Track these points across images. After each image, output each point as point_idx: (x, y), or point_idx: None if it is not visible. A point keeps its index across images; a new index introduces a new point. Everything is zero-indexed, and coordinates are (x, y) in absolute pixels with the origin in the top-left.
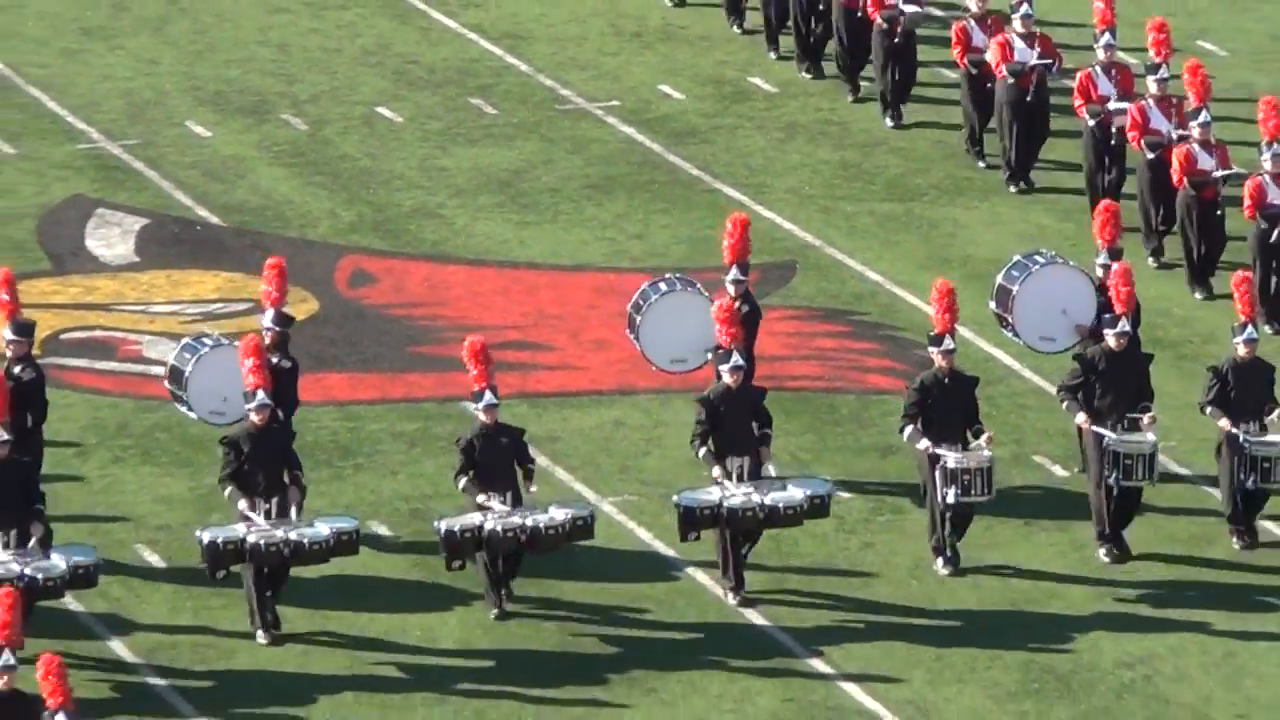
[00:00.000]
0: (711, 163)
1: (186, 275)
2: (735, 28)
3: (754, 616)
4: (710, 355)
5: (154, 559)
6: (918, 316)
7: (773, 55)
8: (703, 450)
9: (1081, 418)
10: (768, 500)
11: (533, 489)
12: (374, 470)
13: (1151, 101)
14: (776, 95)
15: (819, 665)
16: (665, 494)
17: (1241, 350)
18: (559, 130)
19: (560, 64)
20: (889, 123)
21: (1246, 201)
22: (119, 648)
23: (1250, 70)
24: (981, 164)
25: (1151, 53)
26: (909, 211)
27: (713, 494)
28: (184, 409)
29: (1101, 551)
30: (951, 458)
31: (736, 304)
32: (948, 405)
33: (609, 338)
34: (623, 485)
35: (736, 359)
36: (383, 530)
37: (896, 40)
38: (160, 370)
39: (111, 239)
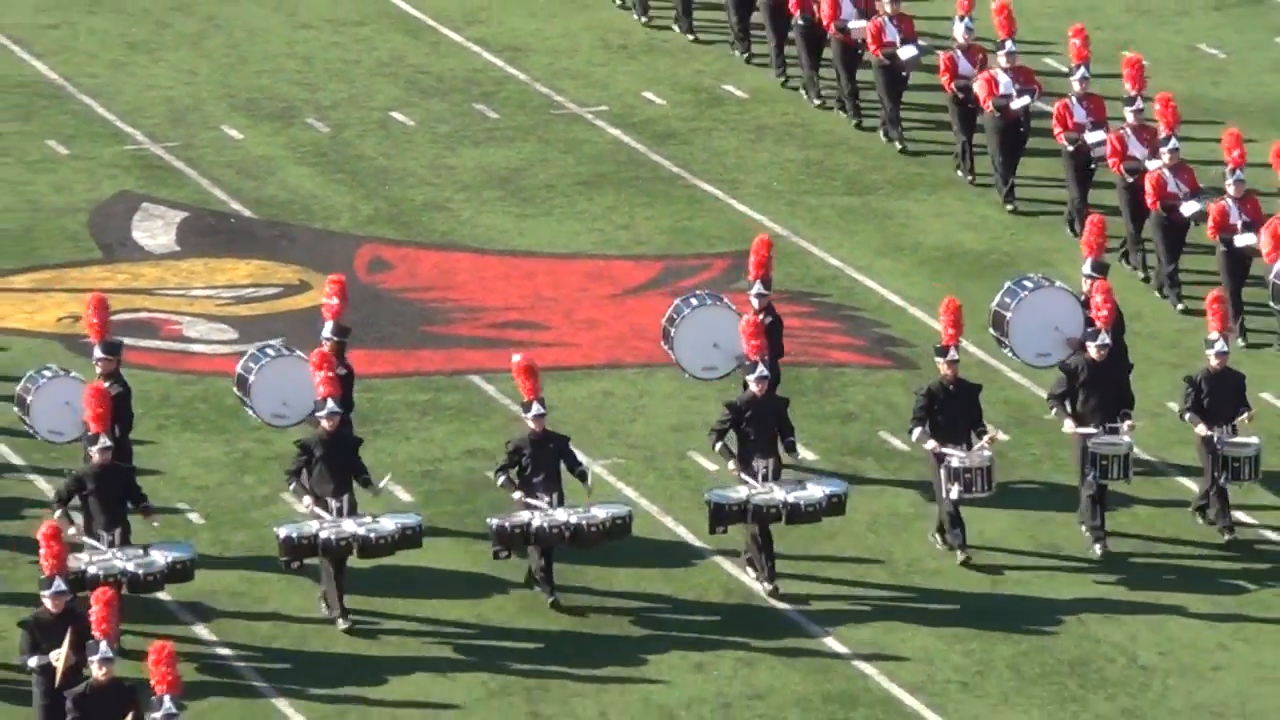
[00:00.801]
0: (690, 161)
1: (222, 263)
2: (685, 33)
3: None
4: (739, 364)
5: (194, 516)
6: (874, 299)
7: (740, 55)
8: (718, 445)
9: (1068, 424)
10: (790, 498)
11: (589, 485)
12: (390, 436)
13: (1129, 130)
14: (747, 101)
15: (835, 645)
16: (648, 457)
17: (1214, 361)
18: (554, 133)
19: (554, 74)
20: (896, 145)
21: (1212, 222)
22: (202, 631)
23: (1169, 78)
24: (969, 177)
25: (1127, 86)
26: (866, 204)
27: (740, 491)
28: (250, 412)
29: (1096, 548)
30: (955, 458)
31: (760, 318)
32: (952, 410)
33: (599, 317)
34: (611, 449)
35: (762, 370)
36: (401, 494)
37: (895, 72)
38: (200, 348)
39: (155, 230)
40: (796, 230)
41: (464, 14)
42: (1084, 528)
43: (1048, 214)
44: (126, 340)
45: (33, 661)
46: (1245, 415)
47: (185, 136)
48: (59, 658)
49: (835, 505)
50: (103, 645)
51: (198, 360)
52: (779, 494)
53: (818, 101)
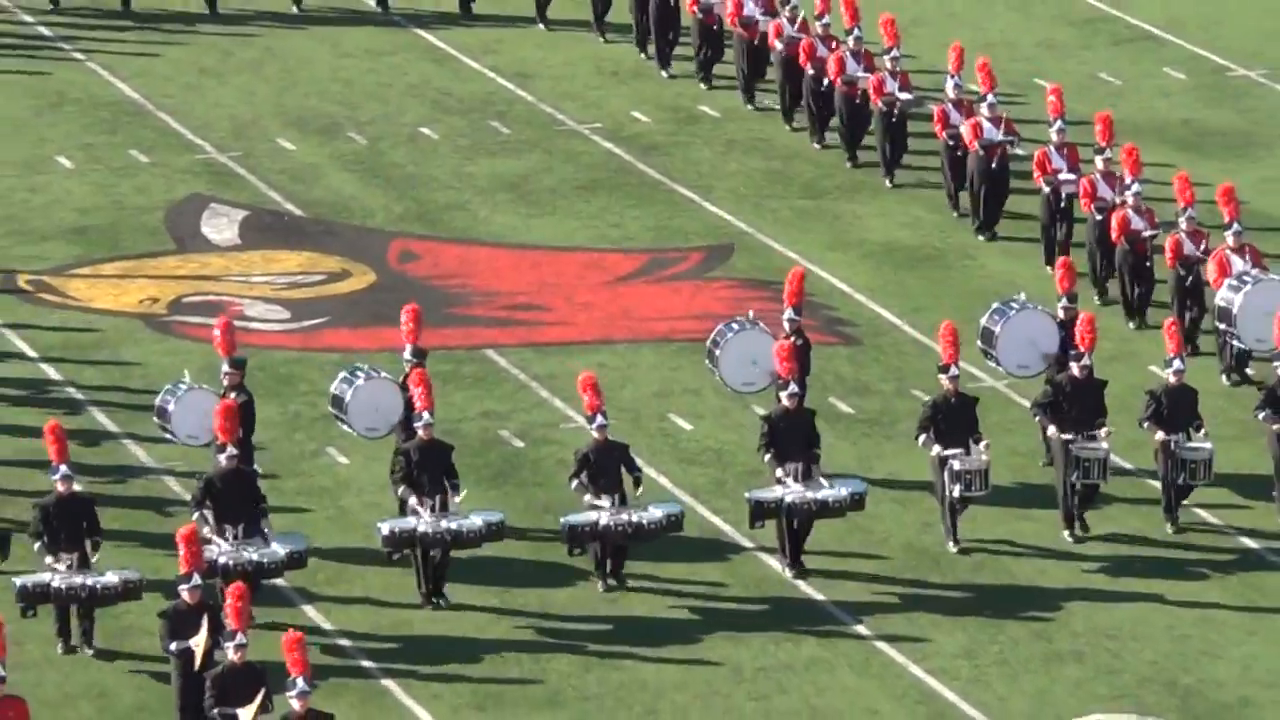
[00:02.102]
0: (670, 170)
1: (277, 254)
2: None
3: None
4: (772, 380)
5: (256, 466)
6: (825, 286)
7: (704, 87)
8: (767, 456)
9: (1052, 430)
10: (819, 496)
11: (639, 491)
12: None
13: (1098, 175)
14: (719, 119)
15: (861, 629)
16: (634, 418)
17: (1172, 379)
18: (556, 145)
19: (557, 95)
20: (887, 184)
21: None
22: (313, 614)
23: (1074, 102)
24: (955, 214)
25: (1098, 139)
26: (818, 206)
27: (776, 491)
28: (345, 427)
29: (1066, 534)
30: (957, 461)
31: (792, 340)
32: (953, 420)
33: (593, 301)
34: (607, 411)
35: (793, 387)
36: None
37: (894, 119)
38: (260, 326)
39: (220, 226)
40: (760, 228)
41: (481, 45)
42: (1064, 518)
43: (1015, 239)
44: (196, 319)
45: (173, 646)
46: (1195, 427)
47: (246, 147)
48: (199, 643)
49: (857, 502)
50: (238, 634)
51: (256, 335)
52: (809, 493)
53: (818, 145)
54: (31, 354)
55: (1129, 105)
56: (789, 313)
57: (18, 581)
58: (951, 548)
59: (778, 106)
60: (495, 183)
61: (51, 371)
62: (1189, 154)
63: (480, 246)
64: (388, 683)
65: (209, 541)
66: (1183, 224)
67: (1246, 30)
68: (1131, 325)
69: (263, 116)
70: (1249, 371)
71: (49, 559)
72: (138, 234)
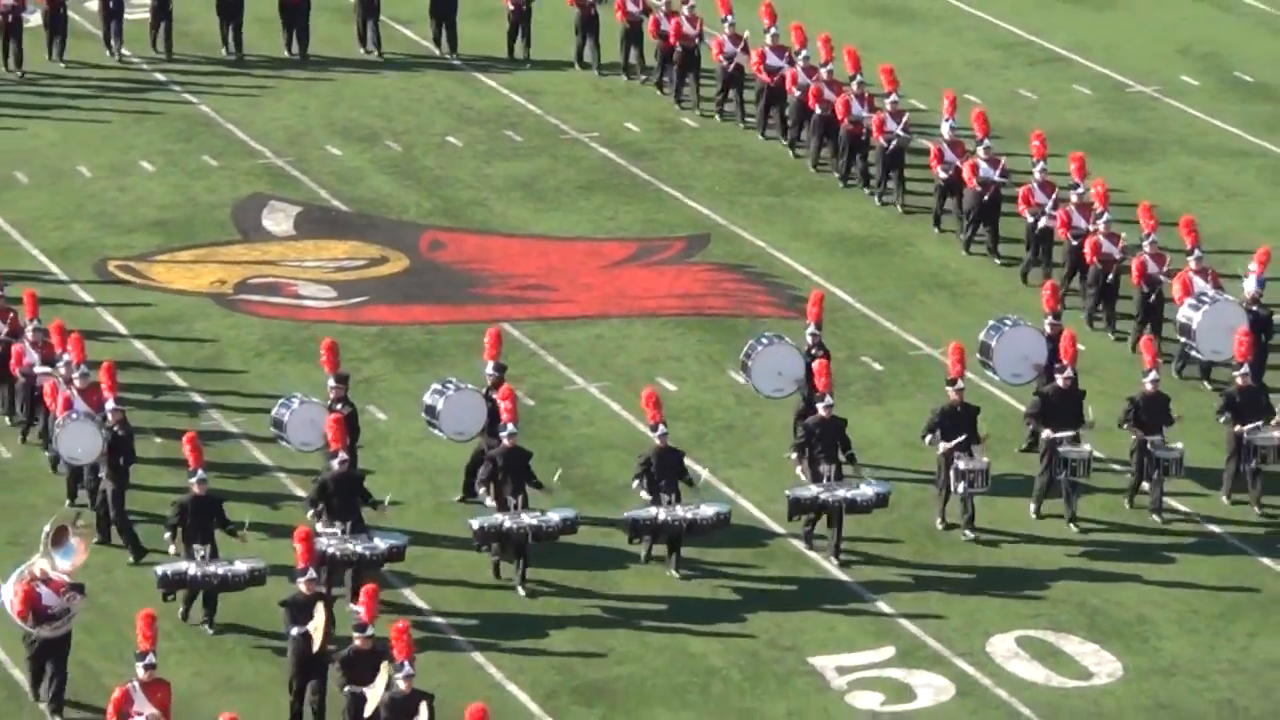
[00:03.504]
0: (657, 171)
1: (326, 243)
2: (641, 78)
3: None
4: (798, 386)
5: None
6: (787, 269)
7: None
8: (799, 459)
9: (1045, 433)
10: (849, 495)
11: (697, 486)
12: (444, 366)
13: (1074, 208)
14: (698, 129)
15: (884, 606)
16: (628, 381)
17: (1148, 387)
18: (561, 151)
19: (561, 109)
20: (899, 208)
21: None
22: (409, 594)
23: (997, 114)
24: (936, 231)
25: (1074, 176)
26: (783, 202)
27: (812, 489)
28: (437, 432)
29: (1034, 516)
30: (961, 461)
31: (815, 353)
32: (958, 426)
33: (593, 282)
34: (602, 375)
35: (829, 399)
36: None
37: (891, 153)
38: (312, 303)
39: (279, 220)
40: (733, 221)
41: (497, 67)
42: (1035, 505)
43: (949, 230)
44: (258, 297)
45: (294, 631)
46: (1168, 432)
47: (299, 153)
48: (316, 627)
49: (883, 500)
50: (370, 627)
51: (309, 312)
52: (841, 492)
53: (814, 171)
54: (121, 329)
55: (1043, 117)
56: (811, 327)
57: (158, 570)
58: (939, 524)
59: (784, 140)
60: (509, 183)
61: (138, 344)
62: (1094, 158)
63: (497, 237)
64: (476, 656)
65: (319, 535)
66: (1146, 248)
67: (1142, 53)
68: (1111, 336)
69: (313, 127)
70: (1206, 384)
71: (177, 549)
72: (209, 226)
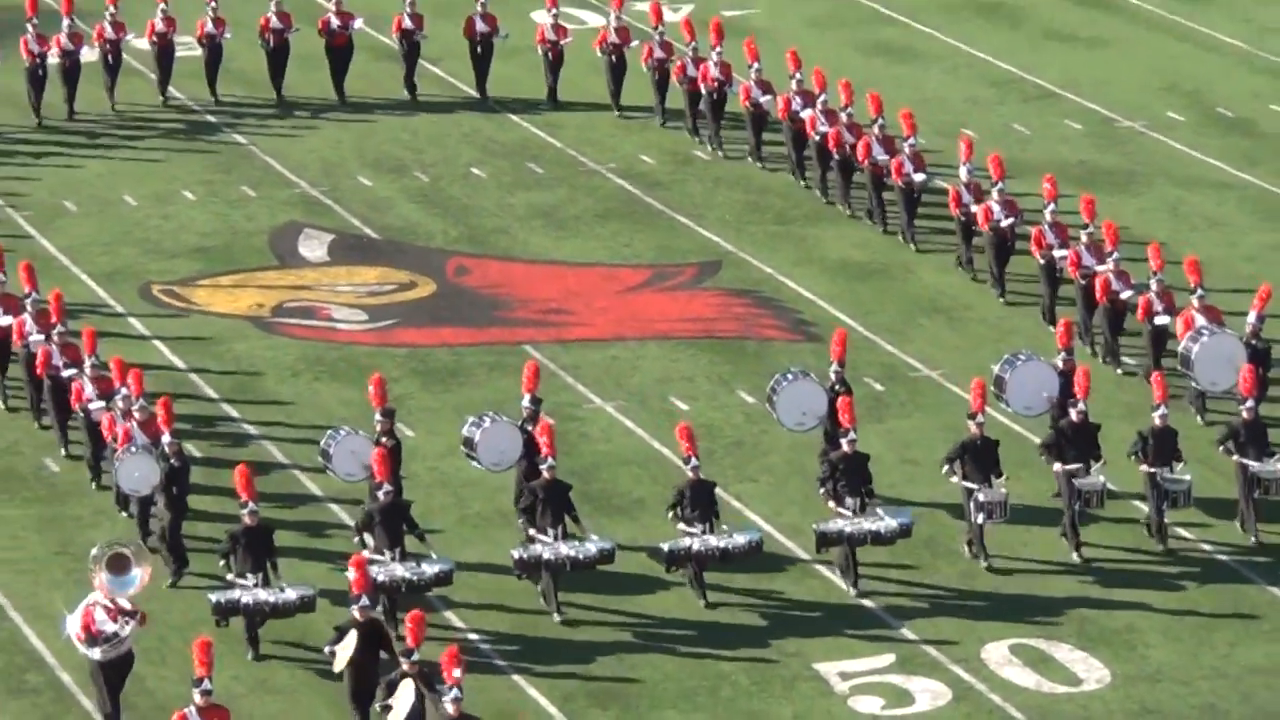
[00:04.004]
0: (670, 201)
1: (358, 268)
2: (658, 120)
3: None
4: (820, 422)
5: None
6: (792, 294)
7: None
8: (826, 493)
9: (1058, 466)
10: (873, 527)
11: (724, 528)
12: (469, 386)
13: (1084, 247)
14: (709, 162)
15: (884, 615)
16: (641, 400)
17: (1157, 421)
18: (580, 182)
19: (580, 142)
20: (912, 246)
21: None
22: (452, 618)
23: (991, 147)
24: (968, 274)
25: (1084, 217)
26: (788, 230)
27: (838, 523)
28: (475, 464)
29: (1075, 555)
30: (981, 493)
31: (838, 390)
32: (979, 458)
33: (609, 306)
34: (617, 394)
35: (852, 434)
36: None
37: (913, 195)
38: (345, 326)
39: (313, 246)
40: (741, 248)
41: (519, 102)
42: (1065, 539)
43: (943, 252)
44: (293, 320)
45: (327, 650)
46: (1181, 466)
47: (333, 183)
48: (344, 648)
49: (906, 531)
50: (416, 651)
51: (341, 334)
52: (866, 524)
53: (848, 212)
54: (163, 349)
55: (1036, 150)
56: (835, 365)
57: (212, 597)
58: (966, 553)
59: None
60: (531, 211)
61: (178, 361)
62: (1084, 189)
63: (519, 263)
64: (516, 679)
65: (372, 562)
66: (1154, 285)
67: (1130, 89)
68: (1119, 371)
69: (346, 159)
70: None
71: (231, 576)
72: (247, 252)
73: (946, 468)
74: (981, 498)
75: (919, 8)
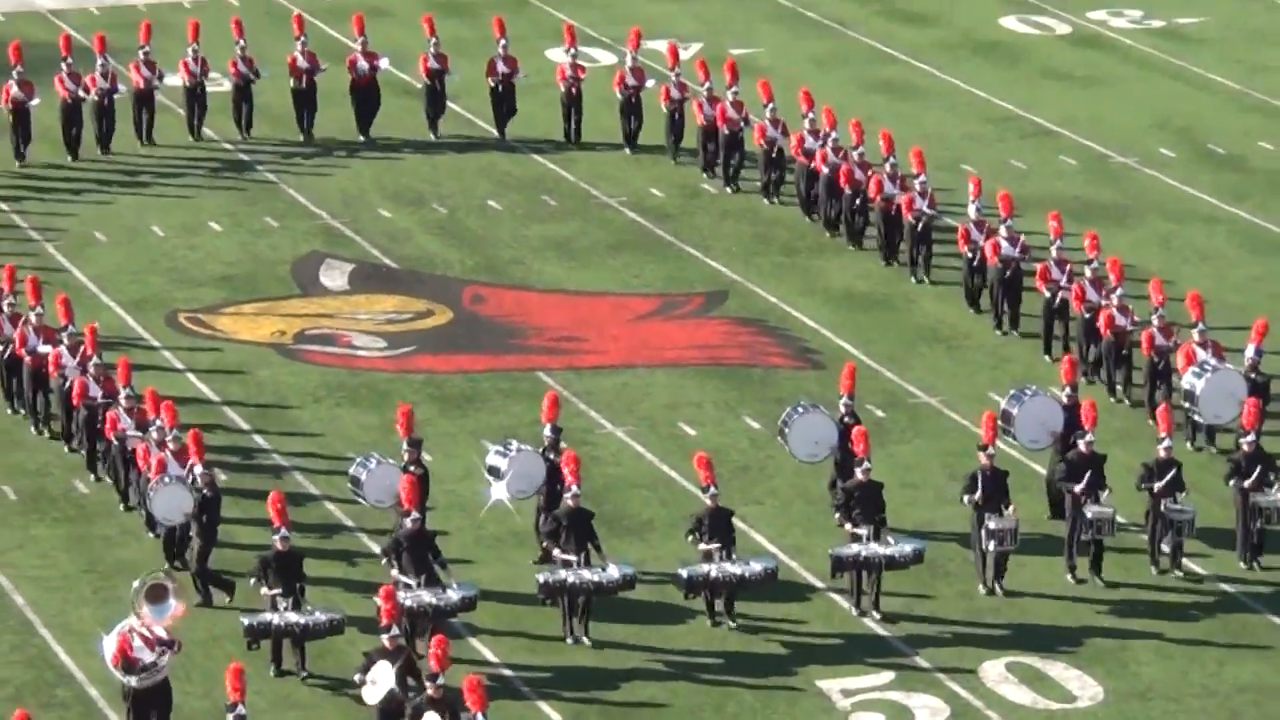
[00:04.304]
0: (679, 233)
1: (377, 297)
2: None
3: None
4: (831, 452)
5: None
6: (797, 323)
7: (708, 179)
8: (843, 519)
9: (1074, 491)
10: (887, 553)
11: (735, 557)
12: (485, 411)
13: (1088, 283)
14: (716, 196)
15: (885, 633)
16: (651, 425)
17: (1162, 453)
18: (592, 214)
19: (593, 176)
20: (914, 280)
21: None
22: (476, 644)
23: (991, 182)
24: (972, 311)
25: (1089, 253)
26: (793, 262)
27: (853, 548)
28: (494, 495)
29: (1072, 576)
30: (992, 521)
31: (848, 421)
32: (990, 488)
33: (620, 334)
34: (627, 420)
35: (867, 464)
36: (492, 447)
37: (920, 230)
38: (364, 353)
39: (334, 276)
40: (748, 278)
41: (534, 139)
42: (1070, 565)
43: (944, 283)
44: (314, 347)
45: (358, 678)
46: (1183, 495)
47: (353, 215)
48: (373, 681)
49: (919, 556)
50: (441, 676)
51: (361, 360)
52: (881, 550)
53: (858, 248)
54: (189, 375)
55: (1033, 184)
56: (845, 398)
57: (244, 620)
58: (981, 590)
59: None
60: (545, 243)
61: (204, 387)
62: (1079, 223)
63: (533, 292)
64: (541, 705)
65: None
66: (1155, 320)
67: (1123, 127)
68: (1113, 400)
69: (366, 191)
70: (1213, 446)
71: (268, 600)
72: (270, 281)
73: (966, 499)
74: (992, 525)
75: (920, 47)
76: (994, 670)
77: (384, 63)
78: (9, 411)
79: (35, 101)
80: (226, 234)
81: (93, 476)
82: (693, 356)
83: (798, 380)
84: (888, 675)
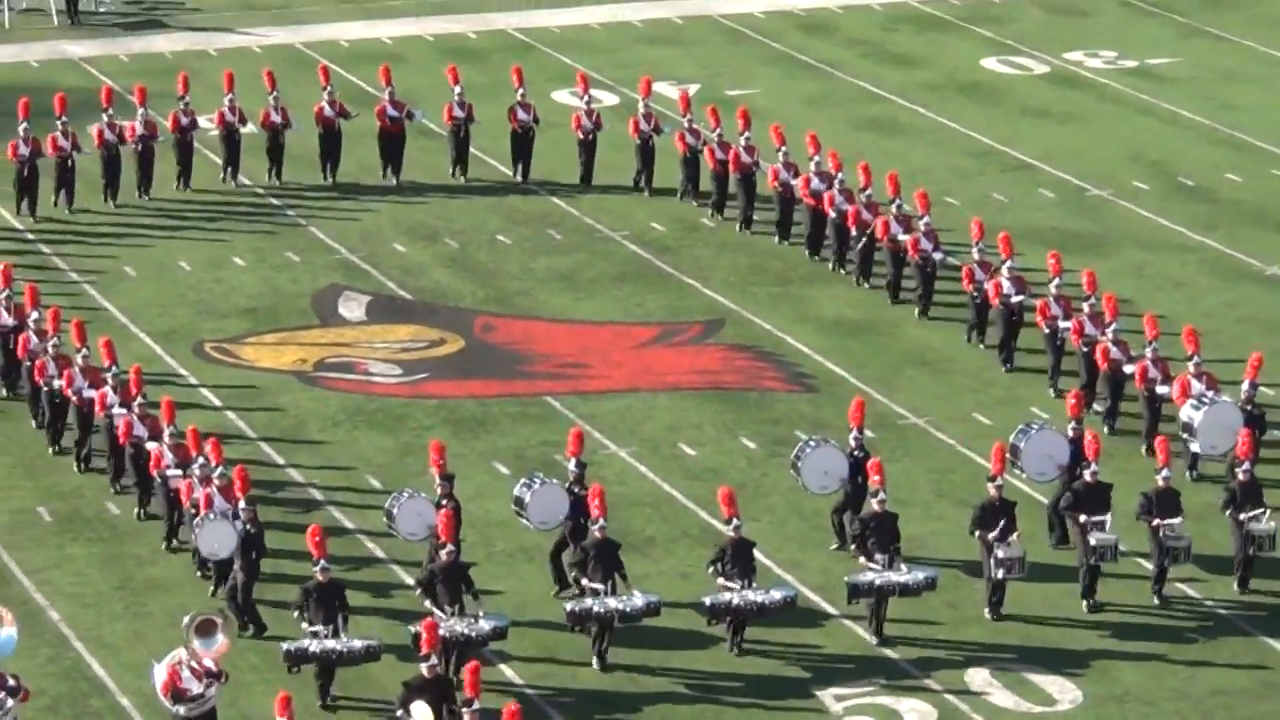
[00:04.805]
0: (679, 265)
1: (393, 327)
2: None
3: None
4: (842, 485)
5: (375, 482)
6: (791, 349)
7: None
8: (860, 553)
9: (1082, 517)
10: (901, 580)
11: (754, 587)
12: (496, 434)
13: (1086, 318)
14: (713, 229)
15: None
16: (653, 446)
17: (1161, 483)
18: (596, 247)
19: (597, 210)
20: (925, 317)
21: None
22: (506, 669)
23: (971, 214)
24: (981, 346)
25: (1085, 289)
26: (787, 291)
27: (869, 575)
28: (525, 522)
29: (1085, 605)
30: (1001, 549)
31: (858, 454)
32: (998, 518)
33: (623, 360)
34: (631, 441)
35: (882, 494)
36: (502, 468)
37: (927, 270)
38: (381, 380)
39: (352, 307)
40: (744, 307)
41: (541, 178)
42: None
43: (953, 319)
44: (333, 374)
45: (399, 713)
46: (1179, 520)
47: (370, 249)
48: (424, 715)
49: (931, 584)
50: (475, 701)
51: (377, 386)
52: (895, 578)
53: (868, 285)
54: (215, 401)
55: (1013, 216)
56: (854, 431)
57: (285, 647)
58: (987, 614)
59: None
60: (551, 274)
61: (230, 415)
62: (1056, 252)
63: (540, 321)
64: (506, 669)
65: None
66: (1149, 354)
67: (1099, 161)
68: (1105, 430)
69: (384, 226)
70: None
71: (306, 626)
72: (291, 313)
73: (978, 532)
74: (1000, 554)
75: (906, 87)
76: (979, 676)
77: (419, 114)
78: (50, 452)
79: (85, 152)
80: (249, 268)
81: (139, 512)
82: (692, 381)
83: (792, 403)
84: (878, 680)
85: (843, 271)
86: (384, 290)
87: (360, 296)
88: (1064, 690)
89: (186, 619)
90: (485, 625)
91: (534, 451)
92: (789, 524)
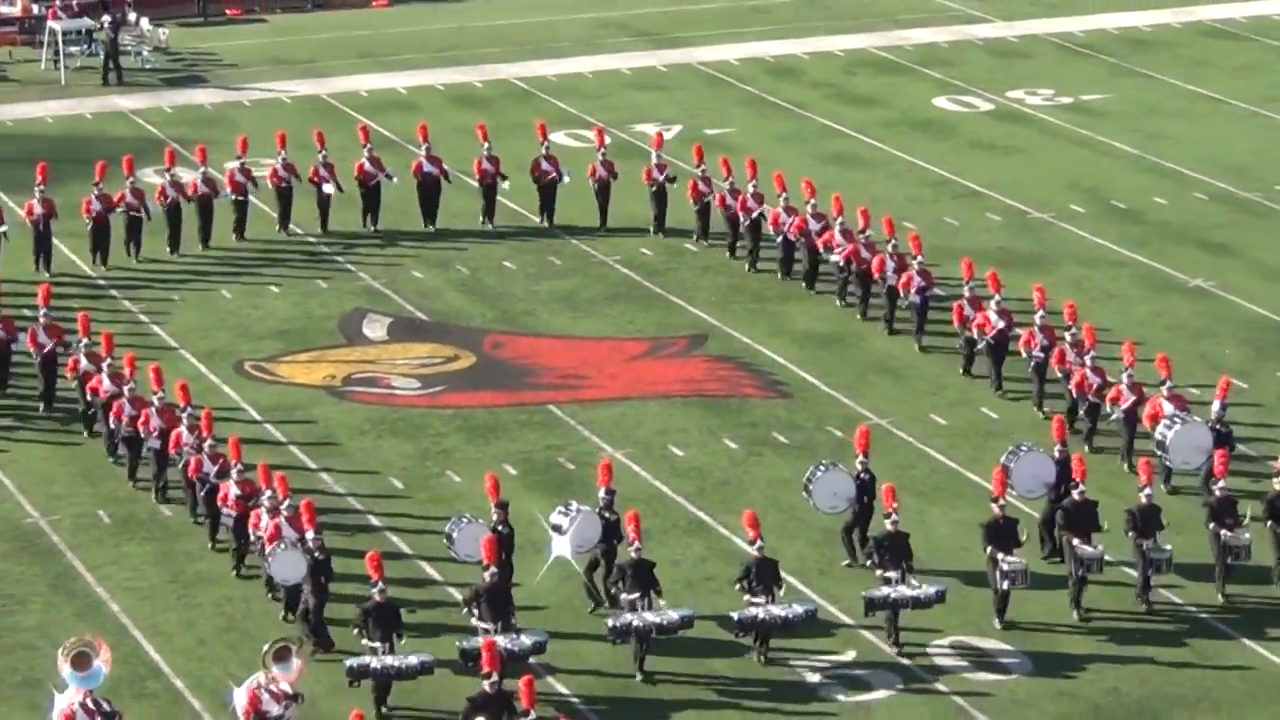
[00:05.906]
0: (667, 286)
1: (412, 345)
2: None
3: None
4: (849, 505)
5: (398, 484)
6: (767, 359)
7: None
8: (876, 567)
9: (1069, 538)
10: (912, 594)
11: (780, 593)
12: (505, 441)
13: (1068, 346)
14: (697, 254)
15: (848, 619)
16: (645, 449)
17: (1143, 500)
18: (592, 271)
19: (592, 238)
20: (917, 348)
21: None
22: (552, 680)
23: (930, 236)
24: (997, 392)
25: (1066, 319)
26: (763, 308)
27: (883, 590)
28: (553, 550)
29: (1075, 614)
30: (1006, 562)
31: (863, 477)
32: (1003, 535)
33: (617, 372)
34: (625, 444)
35: (895, 516)
36: (510, 470)
37: (919, 304)
38: (402, 392)
39: (375, 328)
40: (724, 323)
41: (563, 223)
42: (1073, 603)
43: (903, 330)
44: (359, 388)
45: None
46: (1161, 535)
47: (391, 277)
48: None
49: (941, 597)
50: (532, 713)
51: (399, 399)
52: (907, 592)
53: (861, 319)
54: (255, 415)
55: (964, 238)
56: (860, 456)
57: (347, 663)
58: (996, 625)
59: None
60: (553, 296)
61: (270, 427)
62: (1004, 270)
63: (544, 338)
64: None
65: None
66: (1124, 379)
67: (1040, 188)
68: (1086, 448)
69: (403, 257)
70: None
71: (368, 644)
72: (321, 334)
73: (990, 549)
74: (1005, 567)
75: (866, 124)
76: (941, 648)
77: (395, 178)
78: (110, 460)
79: (153, 206)
80: (283, 295)
81: (210, 544)
82: (679, 389)
83: (768, 408)
84: (850, 653)
85: (839, 301)
86: (403, 312)
87: (382, 318)
88: (1017, 660)
89: (265, 646)
90: (527, 641)
91: (540, 455)
92: (768, 516)
